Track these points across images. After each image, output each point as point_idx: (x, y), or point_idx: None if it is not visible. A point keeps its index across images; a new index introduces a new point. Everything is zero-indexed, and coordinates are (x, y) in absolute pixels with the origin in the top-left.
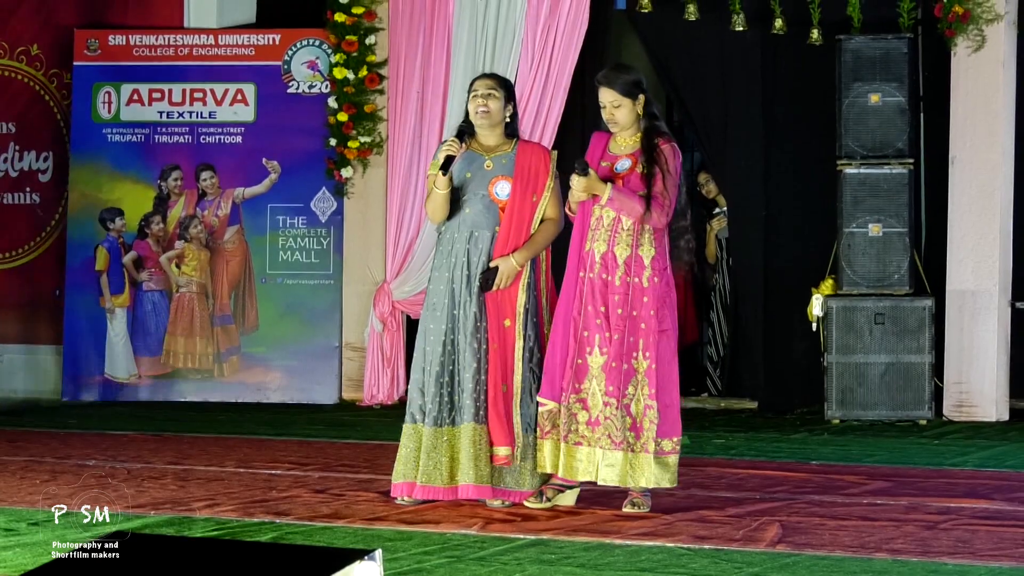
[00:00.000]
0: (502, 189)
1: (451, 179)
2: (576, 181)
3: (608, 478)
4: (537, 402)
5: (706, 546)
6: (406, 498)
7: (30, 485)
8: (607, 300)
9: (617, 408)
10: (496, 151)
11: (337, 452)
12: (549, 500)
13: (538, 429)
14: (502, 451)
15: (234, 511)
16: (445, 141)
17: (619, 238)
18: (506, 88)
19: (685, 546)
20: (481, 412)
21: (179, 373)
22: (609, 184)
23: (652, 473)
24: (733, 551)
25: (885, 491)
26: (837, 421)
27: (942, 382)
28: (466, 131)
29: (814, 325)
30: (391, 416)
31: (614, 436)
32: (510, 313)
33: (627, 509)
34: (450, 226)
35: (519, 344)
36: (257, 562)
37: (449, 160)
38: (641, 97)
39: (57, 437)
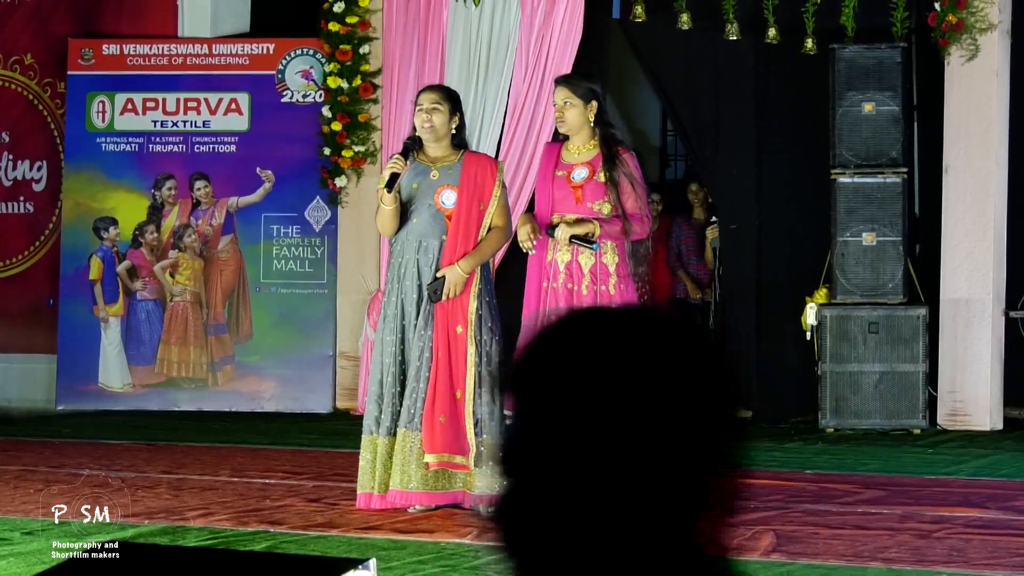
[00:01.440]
0: (448, 198)
1: (398, 194)
2: (561, 231)
3: None
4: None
5: None
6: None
7: (24, 494)
8: None
9: None
10: (442, 162)
11: (331, 461)
12: None
13: None
14: (431, 458)
15: (228, 520)
16: (392, 157)
17: (582, 247)
18: (451, 100)
19: None
20: (416, 419)
21: (173, 382)
22: (595, 222)
23: None
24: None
25: (879, 500)
26: (831, 430)
27: (936, 391)
28: (411, 147)
29: (808, 334)
30: None
31: None
32: (462, 320)
33: None
34: (399, 237)
35: (471, 350)
36: (251, 571)
37: (394, 177)
38: (594, 103)
39: (51, 446)
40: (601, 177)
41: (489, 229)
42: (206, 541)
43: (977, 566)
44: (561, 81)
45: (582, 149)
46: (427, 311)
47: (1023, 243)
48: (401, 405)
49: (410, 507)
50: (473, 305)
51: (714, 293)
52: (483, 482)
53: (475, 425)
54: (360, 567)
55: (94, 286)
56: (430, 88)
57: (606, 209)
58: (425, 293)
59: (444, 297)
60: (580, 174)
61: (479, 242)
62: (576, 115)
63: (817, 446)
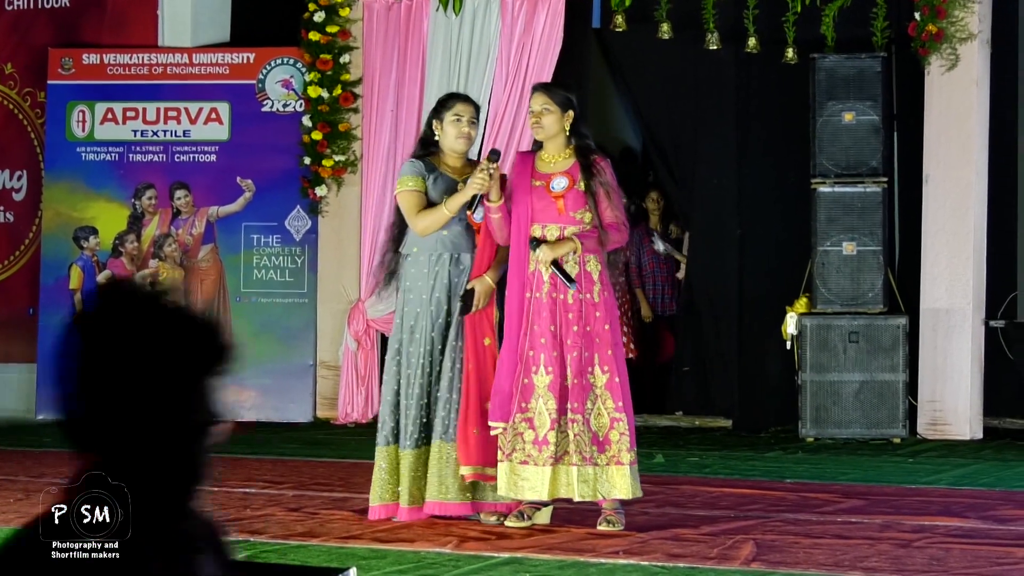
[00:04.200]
0: (478, 213)
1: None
2: (543, 252)
3: (584, 493)
4: (491, 426)
5: (681, 564)
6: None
7: (3, 504)
8: (558, 319)
9: (584, 424)
10: (464, 173)
11: (312, 470)
12: (529, 519)
13: (499, 452)
14: (466, 470)
15: None
16: (483, 170)
17: (566, 257)
18: (479, 117)
19: (660, 564)
20: (451, 430)
21: None
22: (576, 240)
23: (627, 484)
24: (708, 569)
25: (859, 509)
26: (811, 439)
27: (916, 400)
28: (499, 154)
29: (788, 343)
30: (366, 434)
31: (584, 452)
32: (489, 331)
33: (602, 527)
34: (425, 248)
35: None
36: None
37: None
38: (571, 112)
39: (31, 455)
40: (582, 186)
41: None
42: None
43: (957, 575)
44: (539, 88)
45: (557, 158)
46: (458, 323)
47: (1003, 253)
48: (428, 416)
49: (491, 518)
50: (497, 316)
51: (675, 306)
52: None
53: None
54: None
55: (74, 295)
56: (468, 99)
57: (588, 218)
58: (456, 305)
59: (474, 308)
60: (560, 183)
61: (497, 253)
62: (553, 121)
63: (797, 455)
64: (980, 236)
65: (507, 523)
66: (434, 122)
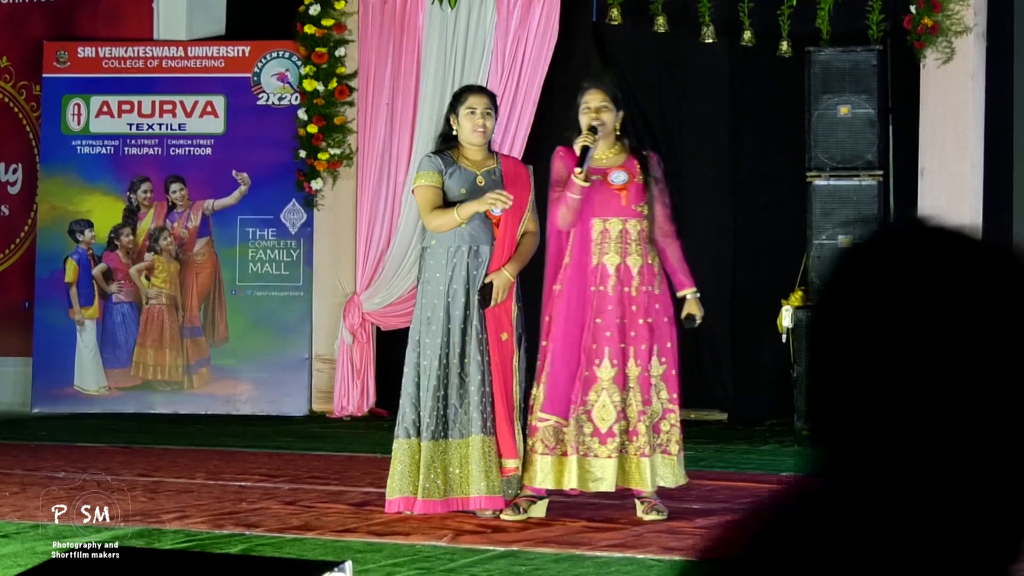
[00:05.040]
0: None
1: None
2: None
3: (655, 483)
4: (539, 417)
5: (676, 557)
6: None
7: None
8: (624, 312)
9: (648, 416)
10: (483, 166)
11: (307, 464)
12: (525, 511)
13: (538, 444)
14: (511, 463)
15: (204, 523)
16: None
17: (630, 249)
18: (496, 105)
19: (655, 557)
20: (488, 424)
21: (149, 385)
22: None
23: (672, 473)
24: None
25: None
26: (807, 432)
27: None
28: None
29: (783, 337)
30: (361, 428)
31: (652, 442)
32: (507, 326)
33: (651, 516)
34: (444, 240)
35: (517, 356)
36: (227, 574)
37: (585, 151)
38: (621, 112)
39: (27, 449)
40: (641, 179)
41: (523, 234)
42: (182, 544)
43: None
44: (596, 85)
45: (608, 154)
46: (481, 316)
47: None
48: (444, 409)
49: (486, 512)
50: (515, 311)
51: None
52: (507, 489)
53: (522, 431)
54: (336, 570)
55: (69, 289)
56: (483, 90)
57: (646, 210)
58: (475, 299)
59: (493, 302)
60: (619, 177)
61: (517, 247)
62: (611, 119)
63: (793, 448)
64: (975, 230)
65: (503, 516)
66: (451, 117)
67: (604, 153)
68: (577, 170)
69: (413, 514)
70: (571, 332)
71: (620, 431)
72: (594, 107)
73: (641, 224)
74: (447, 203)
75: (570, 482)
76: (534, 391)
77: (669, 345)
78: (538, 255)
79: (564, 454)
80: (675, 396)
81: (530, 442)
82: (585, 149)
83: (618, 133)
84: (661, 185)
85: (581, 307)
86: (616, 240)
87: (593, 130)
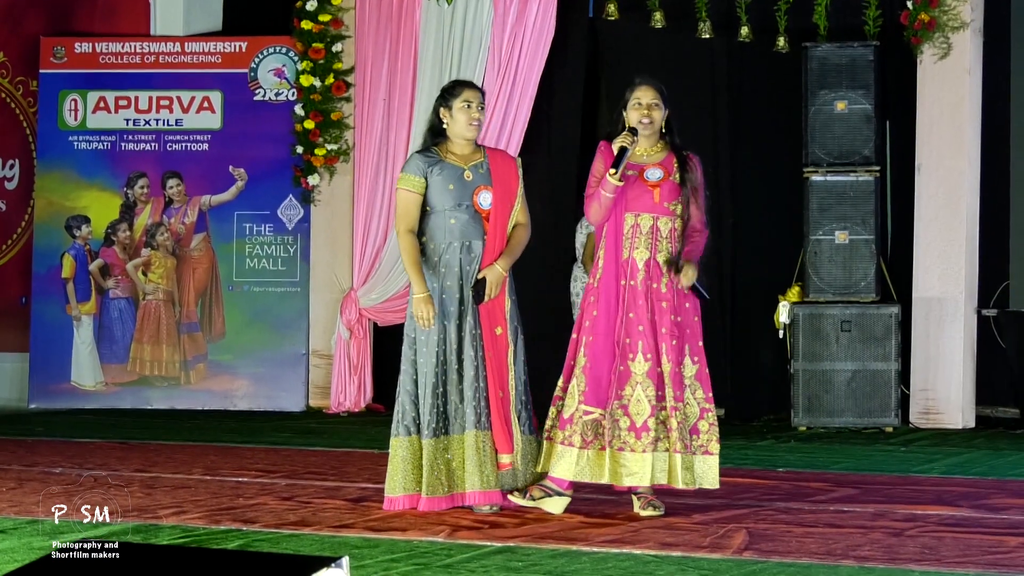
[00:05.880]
0: (484, 199)
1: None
2: (688, 275)
3: (687, 481)
4: (583, 410)
5: (673, 553)
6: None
7: None
8: (655, 307)
9: (683, 412)
10: (470, 160)
11: (304, 459)
12: (533, 499)
13: (576, 437)
14: (505, 458)
15: (201, 518)
16: (622, 143)
17: (660, 245)
18: (485, 99)
19: (652, 553)
20: (483, 419)
21: (146, 380)
22: (694, 262)
23: (715, 475)
24: (700, 558)
25: (852, 498)
26: (804, 428)
27: (908, 389)
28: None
29: (781, 332)
30: (358, 423)
31: (685, 439)
32: (501, 320)
33: (648, 512)
34: (434, 237)
35: (511, 350)
36: (223, 570)
37: (623, 152)
38: (667, 110)
39: (24, 445)
40: (676, 178)
41: (514, 227)
42: (179, 539)
43: (949, 564)
44: (648, 82)
45: (650, 151)
46: (475, 312)
47: (995, 241)
48: (444, 405)
49: (484, 507)
50: (508, 305)
51: None
52: (508, 482)
53: (519, 424)
54: (333, 565)
55: (66, 284)
56: (475, 85)
57: (679, 209)
58: (468, 294)
59: (486, 298)
60: (655, 174)
61: (508, 240)
62: (660, 116)
63: (789, 444)
64: (972, 225)
65: (511, 497)
66: (442, 110)
67: (645, 149)
68: (612, 170)
69: (418, 511)
70: (604, 326)
71: (653, 426)
72: (646, 103)
73: (673, 222)
74: (436, 200)
75: (604, 476)
76: (570, 384)
77: (700, 344)
78: (531, 246)
79: (602, 448)
80: (710, 395)
81: (564, 433)
82: (623, 150)
83: (663, 131)
84: (698, 187)
85: (615, 301)
86: (646, 235)
87: (633, 131)
